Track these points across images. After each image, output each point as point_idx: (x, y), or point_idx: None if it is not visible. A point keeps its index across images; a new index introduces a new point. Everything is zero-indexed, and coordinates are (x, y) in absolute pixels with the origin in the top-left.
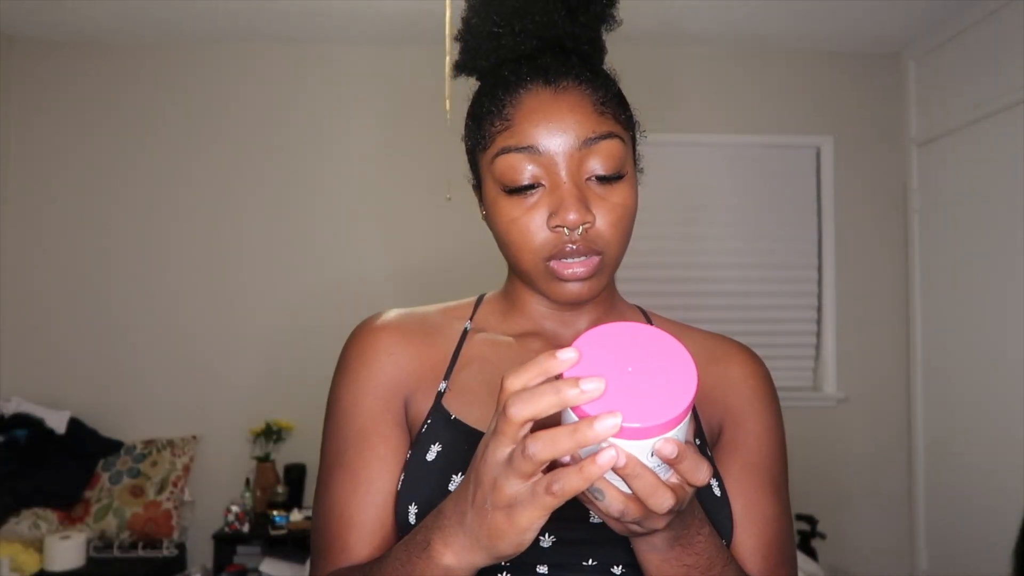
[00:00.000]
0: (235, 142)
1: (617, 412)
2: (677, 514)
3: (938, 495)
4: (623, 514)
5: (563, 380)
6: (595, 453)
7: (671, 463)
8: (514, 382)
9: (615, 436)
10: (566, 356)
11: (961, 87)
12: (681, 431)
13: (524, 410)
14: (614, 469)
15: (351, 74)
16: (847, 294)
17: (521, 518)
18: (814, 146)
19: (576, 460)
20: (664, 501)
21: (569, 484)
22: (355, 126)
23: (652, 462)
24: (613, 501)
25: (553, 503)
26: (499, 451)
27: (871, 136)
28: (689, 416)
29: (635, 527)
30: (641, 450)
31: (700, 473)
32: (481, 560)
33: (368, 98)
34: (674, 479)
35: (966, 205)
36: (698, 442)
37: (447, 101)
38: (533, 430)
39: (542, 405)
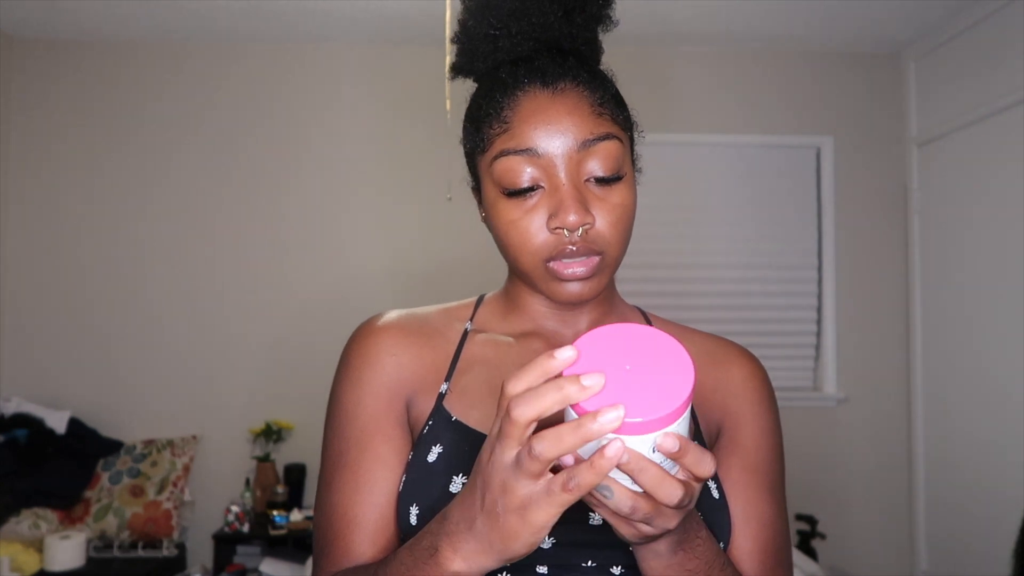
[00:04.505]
0: (235, 142)
1: (619, 405)
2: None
3: (938, 495)
4: (633, 510)
5: (564, 377)
6: (602, 447)
7: (674, 457)
8: (515, 385)
9: (617, 432)
10: (564, 355)
11: (961, 87)
12: (681, 426)
13: (528, 410)
14: (619, 466)
15: (351, 74)
16: (847, 294)
17: (537, 517)
18: (814, 146)
19: (579, 461)
20: (673, 492)
21: (584, 479)
22: (355, 126)
23: (656, 458)
24: (622, 498)
25: (569, 499)
26: (506, 454)
27: (871, 136)
28: (688, 413)
29: (647, 528)
30: (643, 445)
31: (704, 465)
32: (492, 563)
33: (368, 98)
34: (680, 474)
35: (966, 205)
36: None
37: (447, 101)
38: (536, 431)
39: (545, 403)
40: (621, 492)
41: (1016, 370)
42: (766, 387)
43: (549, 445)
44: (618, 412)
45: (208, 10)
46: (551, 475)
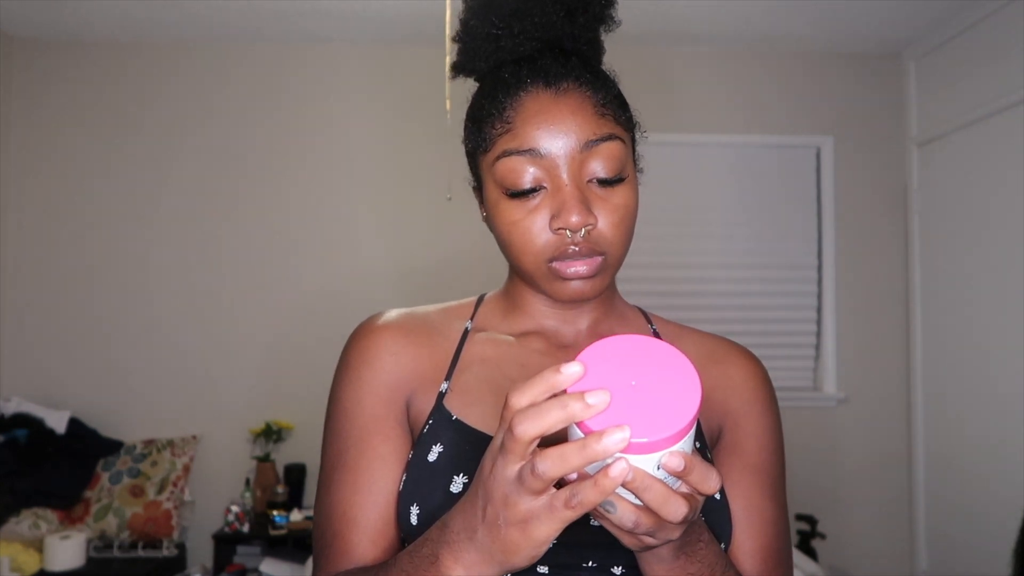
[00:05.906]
0: (235, 142)
1: (625, 426)
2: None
3: (938, 495)
4: (636, 525)
5: (569, 395)
6: (607, 466)
7: (679, 475)
8: (520, 399)
9: (622, 451)
10: (571, 371)
11: (961, 87)
12: (687, 443)
13: (531, 428)
14: (623, 484)
15: (351, 74)
16: (847, 294)
17: (538, 532)
18: (814, 146)
19: (583, 475)
20: (678, 510)
21: (586, 498)
22: (356, 126)
23: (660, 474)
24: (625, 513)
25: (572, 516)
26: (508, 468)
27: (871, 136)
28: (693, 430)
29: (649, 539)
30: (648, 463)
31: (710, 482)
32: (493, 573)
33: (369, 98)
34: (684, 488)
35: (966, 205)
36: (698, 445)
37: (448, 101)
38: (540, 445)
39: (549, 421)
40: (624, 507)
41: (1016, 370)
42: (767, 386)
43: (552, 465)
44: (624, 434)
45: (209, 10)
46: (554, 490)
